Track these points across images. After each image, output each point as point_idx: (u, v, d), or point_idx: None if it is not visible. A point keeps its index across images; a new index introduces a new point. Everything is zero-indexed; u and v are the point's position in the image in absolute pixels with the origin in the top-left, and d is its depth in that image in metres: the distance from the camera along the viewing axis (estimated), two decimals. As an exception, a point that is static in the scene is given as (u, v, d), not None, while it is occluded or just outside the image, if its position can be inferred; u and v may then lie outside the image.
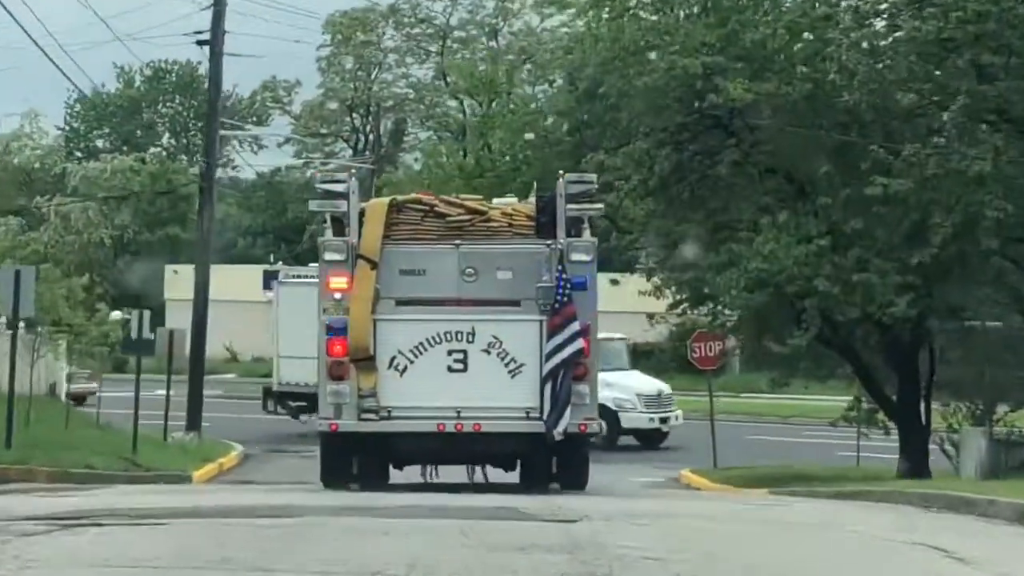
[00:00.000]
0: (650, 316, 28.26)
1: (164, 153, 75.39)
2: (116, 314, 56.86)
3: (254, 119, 73.81)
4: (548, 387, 14.00)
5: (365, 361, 14.04)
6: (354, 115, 71.26)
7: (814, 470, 25.00)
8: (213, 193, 34.50)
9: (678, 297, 25.34)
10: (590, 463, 16.40)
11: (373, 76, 70.06)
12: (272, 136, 72.08)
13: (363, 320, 14.04)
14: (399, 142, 72.22)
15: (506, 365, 14.33)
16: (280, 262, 44.61)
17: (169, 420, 28.53)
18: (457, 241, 14.49)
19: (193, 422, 30.92)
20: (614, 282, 28.44)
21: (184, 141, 78.40)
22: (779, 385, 27.18)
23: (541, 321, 14.60)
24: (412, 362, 14.23)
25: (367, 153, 67.13)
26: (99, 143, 78.30)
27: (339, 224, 14.72)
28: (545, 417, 14.12)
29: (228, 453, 29.52)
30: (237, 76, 63.33)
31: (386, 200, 14.93)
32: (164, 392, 27.68)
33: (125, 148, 72.48)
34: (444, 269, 14.38)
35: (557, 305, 14.07)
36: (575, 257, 14.32)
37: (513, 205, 15.22)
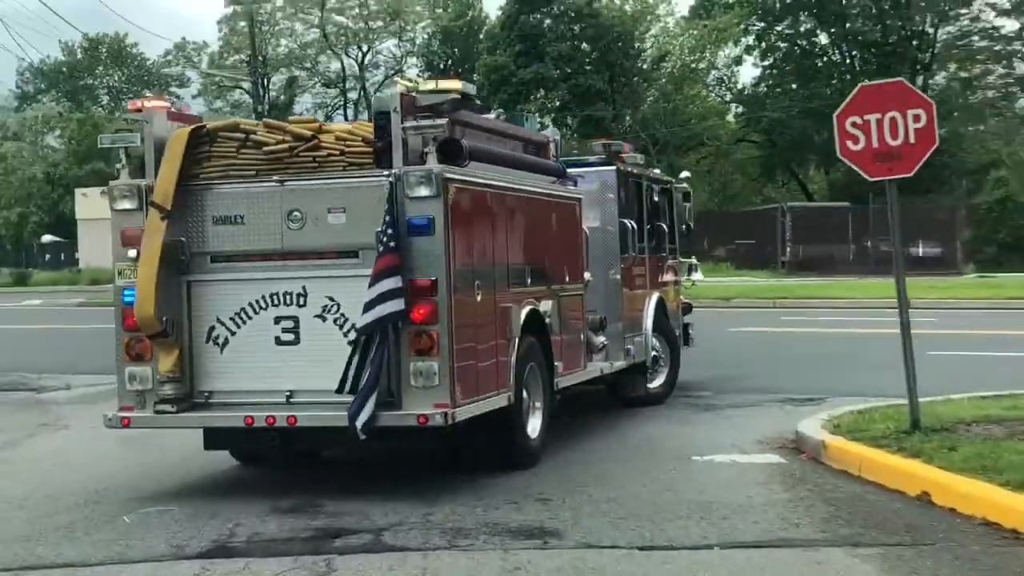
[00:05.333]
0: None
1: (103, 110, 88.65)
2: (47, 237, 77.69)
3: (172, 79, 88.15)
4: (355, 361, 10.46)
5: (159, 337, 11.00)
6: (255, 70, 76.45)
7: None
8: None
9: None
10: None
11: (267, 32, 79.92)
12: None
13: (146, 285, 10.91)
14: (292, 95, 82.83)
15: (346, 335, 10.77)
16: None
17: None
18: (279, 177, 11.00)
19: None
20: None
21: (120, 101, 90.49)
22: None
23: None
24: (233, 333, 11.15)
25: (265, 107, 74.19)
26: (45, 101, 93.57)
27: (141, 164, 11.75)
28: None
29: None
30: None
31: (188, 128, 11.33)
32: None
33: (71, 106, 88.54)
34: (265, 214, 11.06)
35: (377, 253, 10.46)
36: (413, 192, 10.48)
37: (352, 127, 11.54)
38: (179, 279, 11.13)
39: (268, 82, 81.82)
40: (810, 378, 18.10)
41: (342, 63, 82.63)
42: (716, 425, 14.29)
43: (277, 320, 10.98)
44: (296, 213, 10.91)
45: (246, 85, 78.67)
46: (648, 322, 16.04)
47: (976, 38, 66.26)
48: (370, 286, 10.24)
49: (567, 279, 13.20)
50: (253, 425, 10.63)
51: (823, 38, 72.37)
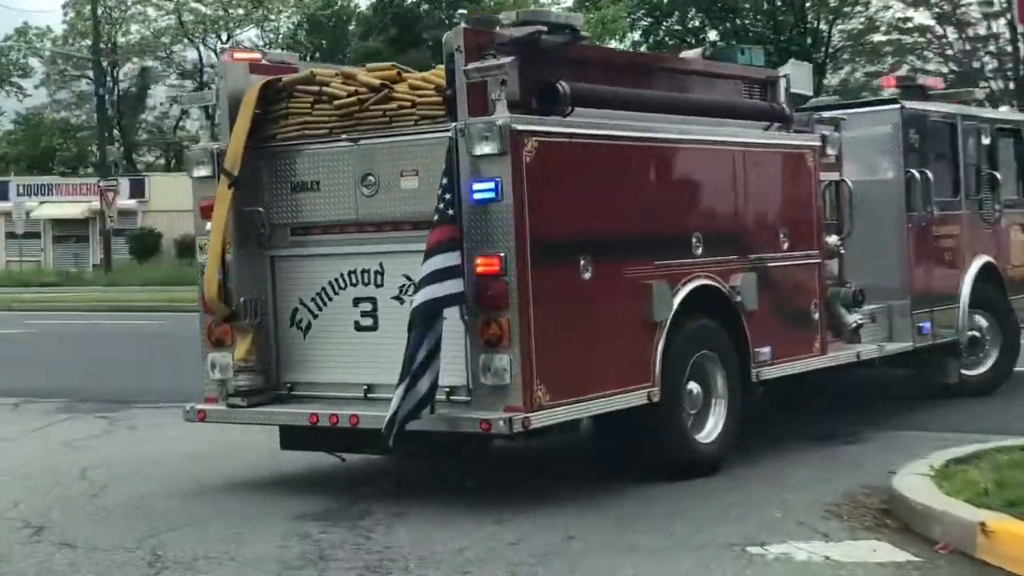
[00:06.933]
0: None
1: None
2: None
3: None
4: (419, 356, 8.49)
5: (230, 319, 9.66)
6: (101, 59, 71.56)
7: None
8: None
9: None
10: None
11: (116, 18, 75.47)
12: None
13: (212, 262, 9.53)
14: (145, 87, 78.13)
15: None
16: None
17: None
18: (352, 135, 9.34)
19: None
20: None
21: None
22: None
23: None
24: (315, 316, 9.62)
25: (114, 98, 71.64)
26: None
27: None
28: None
29: None
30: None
31: (260, 82, 9.74)
32: None
33: None
34: (340, 178, 9.38)
35: (432, 223, 8.57)
36: (476, 149, 8.47)
37: (428, 73, 9.31)
38: (262, 254, 9.80)
39: (117, 72, 76.14)
40: (816, 404, 12.82)
41: (199, 53, 77.41)
42: (744, 482, 9.35)
43: (356, 302, 9.52)
44: (370, 177, 9.28)
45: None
46: (964, 293, 13.29)
47: (881, 32, 63.67)
48: (423, 262, 8.51)
49: (785, 246, 10.88)
50: (317, 424, 9.20)
51: (713, 35, 69.63)
